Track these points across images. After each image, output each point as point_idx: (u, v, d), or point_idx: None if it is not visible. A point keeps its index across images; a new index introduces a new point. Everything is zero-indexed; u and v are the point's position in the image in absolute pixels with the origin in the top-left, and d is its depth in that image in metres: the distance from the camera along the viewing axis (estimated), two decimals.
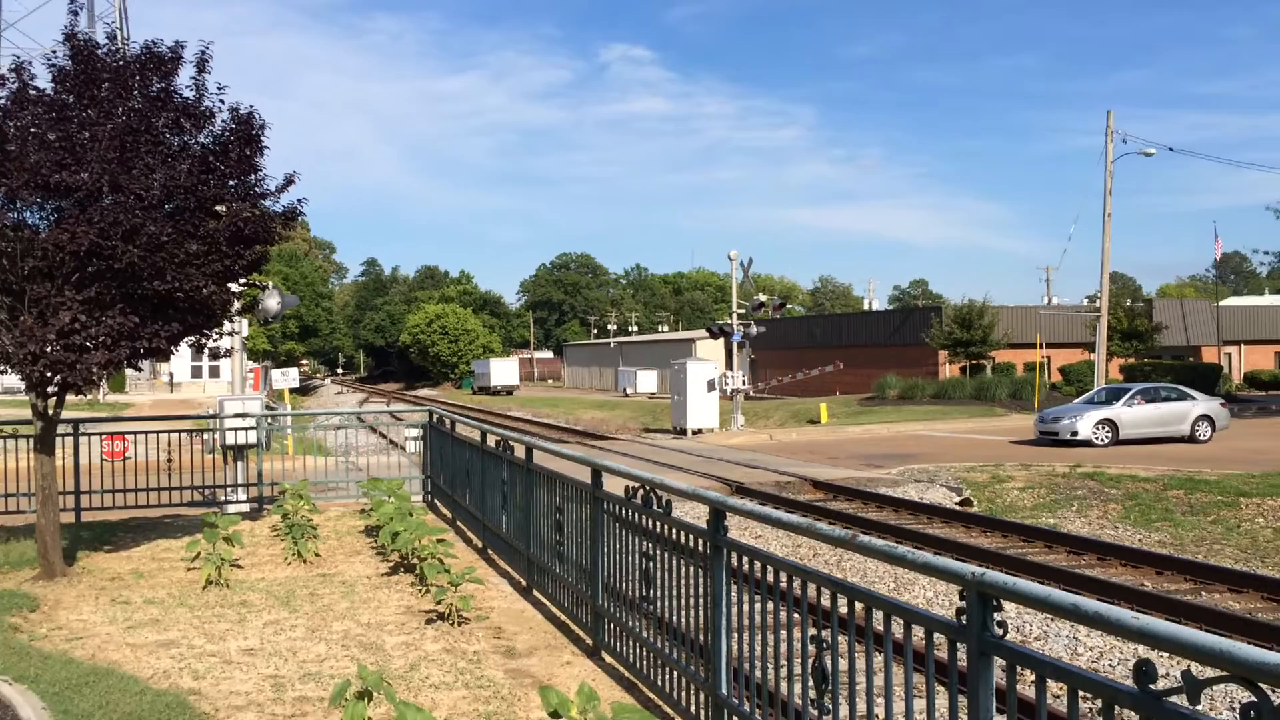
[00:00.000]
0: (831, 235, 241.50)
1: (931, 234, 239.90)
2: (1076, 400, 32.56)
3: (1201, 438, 29.27)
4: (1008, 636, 3.41)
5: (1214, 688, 2.63)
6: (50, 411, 10.30)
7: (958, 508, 19.04)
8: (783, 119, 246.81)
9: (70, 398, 10.52)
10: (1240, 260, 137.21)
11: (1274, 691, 2.50)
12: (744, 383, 41.67)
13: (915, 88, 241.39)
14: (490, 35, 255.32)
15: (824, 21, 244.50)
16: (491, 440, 11.02)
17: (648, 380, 77.34)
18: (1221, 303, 65.96)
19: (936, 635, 3.77)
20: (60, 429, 11.05)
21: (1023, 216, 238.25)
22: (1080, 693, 3.04)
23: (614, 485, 7.18)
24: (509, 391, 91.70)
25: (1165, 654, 8.08)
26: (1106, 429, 28.60)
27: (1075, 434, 28.19)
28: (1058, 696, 6.99)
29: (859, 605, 4.29)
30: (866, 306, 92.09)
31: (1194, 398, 30.45)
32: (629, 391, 77.25)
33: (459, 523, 13.24)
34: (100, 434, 15.61)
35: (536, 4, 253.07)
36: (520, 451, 9.56)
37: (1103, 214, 44.67)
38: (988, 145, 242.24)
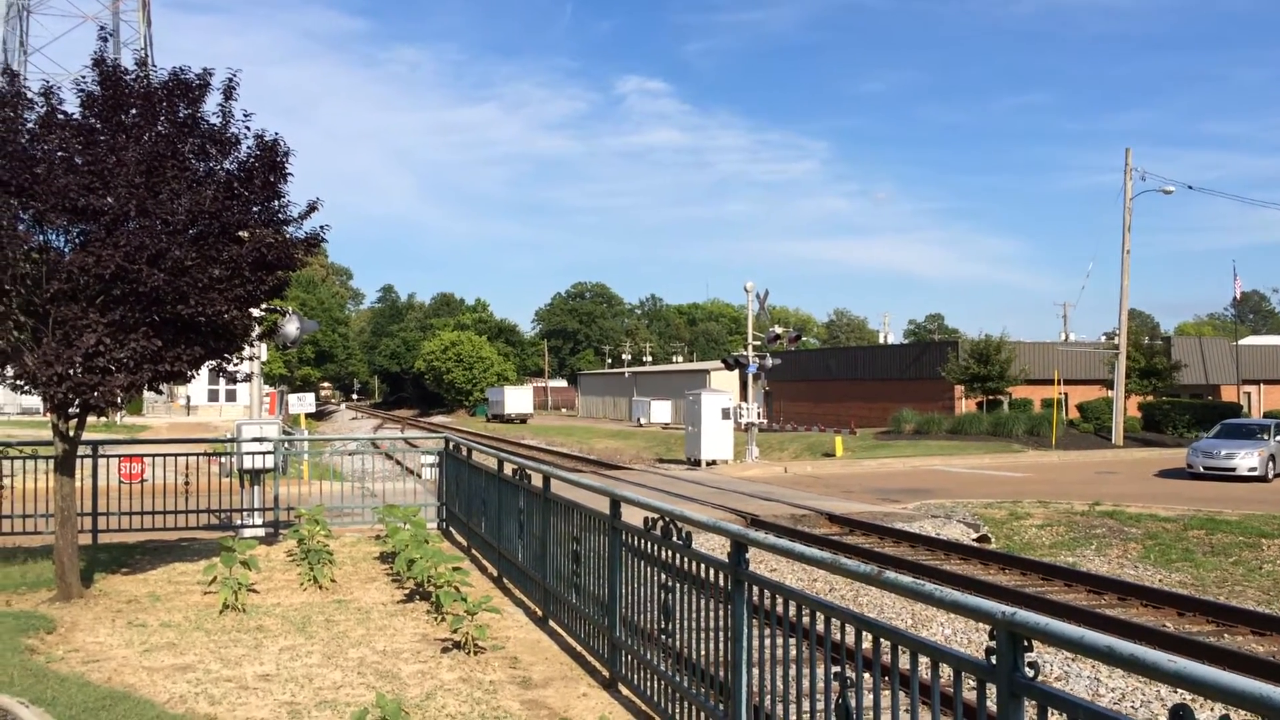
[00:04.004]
0: (846, 269, 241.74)
1: (946, 269, 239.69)
2: (1208, 438, 32.28)
3: None
4: (1038, 678, 3.37)
5: None
6: (72, 433, 10.34)
7: (975, 544, 18.90)
8: (796, 153, 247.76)
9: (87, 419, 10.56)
10: (1259, 299, 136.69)
11: None
12: (759, 415, 41.54)
13: (927, 124, 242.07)
14: (506, 67, 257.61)
15: (834, 58, 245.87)
16: (508, 469, 11.00)
17: (662, 411, 77.18)
18: (1240, 341, 65.59)
19: (964, 675, 3.72)
20: (79, 450, 11.08)
21: (1038, 252, 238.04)
22: None
23: (632, 516, 7.15)
24: (523, 420, 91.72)
25: (1191, 697, 7.91)
26: (1273, 464, 29.47)
27: (1253, 469, 28.88)
28: None
29: (884, 642, 4.24)
30: (881, 340, 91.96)
31: None
32: (643, 422, 77.12)
33: (474, 551, 13.20)
34: (118, 456, 15.65)
35: (553, 37, 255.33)
36: (537, 480, 9.53)
37: (1121, 251, 44.63)
38: (1001, 181, 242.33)
